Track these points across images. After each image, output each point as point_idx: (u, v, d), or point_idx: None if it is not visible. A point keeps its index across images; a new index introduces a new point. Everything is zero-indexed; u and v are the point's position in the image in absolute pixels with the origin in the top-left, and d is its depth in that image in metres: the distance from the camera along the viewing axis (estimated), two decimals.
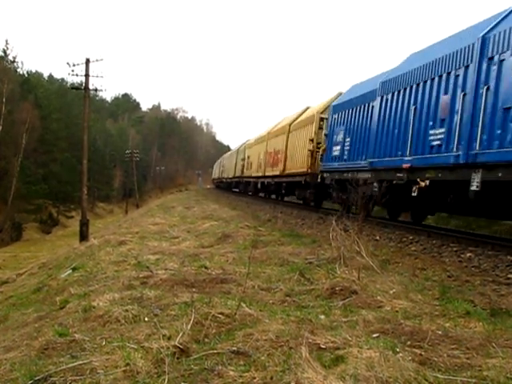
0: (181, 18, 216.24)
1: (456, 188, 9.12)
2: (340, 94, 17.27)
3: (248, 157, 32.57)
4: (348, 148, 13.88)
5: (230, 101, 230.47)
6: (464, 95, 8.51)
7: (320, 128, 17.51)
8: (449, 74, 9.13)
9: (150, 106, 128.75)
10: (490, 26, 8.26)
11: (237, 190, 40.21)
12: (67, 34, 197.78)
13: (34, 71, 72.65)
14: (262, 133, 30.72)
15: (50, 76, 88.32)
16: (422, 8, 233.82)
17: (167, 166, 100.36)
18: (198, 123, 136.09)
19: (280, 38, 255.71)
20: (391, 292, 5.20)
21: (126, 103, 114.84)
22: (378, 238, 10.09)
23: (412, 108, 10.21)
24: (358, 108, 13.49)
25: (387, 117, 11.46)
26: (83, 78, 27.53)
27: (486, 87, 7.86)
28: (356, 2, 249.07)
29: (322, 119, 17.69)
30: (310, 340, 3.59)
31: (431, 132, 9.45)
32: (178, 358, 3.39)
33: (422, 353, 3.42)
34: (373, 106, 12.44)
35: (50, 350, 3.85)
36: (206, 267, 6.74)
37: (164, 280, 5.90)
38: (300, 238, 10.05)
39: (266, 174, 25.43)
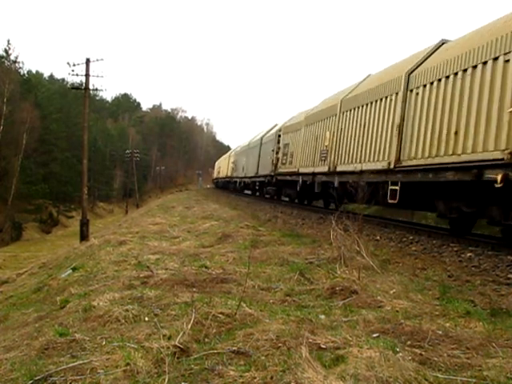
0: (181, 18, 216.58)
1: None
2: None
3: None
4: None
5: (230, 101, 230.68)
6: None
7: None
8: None
9: (151, 106, 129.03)
10: None
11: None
12: (67, 34, 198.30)
13: (34, 71, 72.99)
14: None
15: (51, 76, 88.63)
16: (426, 7, 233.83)
17: (167, 165, 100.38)
18: (198, 123, 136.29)
19: (280, 37, 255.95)
20: (391, 292, 5.20)
21: (126, 103, 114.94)
22: (378, 237, 10.09)
23: None
24: None
25: None
26: (83, 78, 27.52)
27: None
28: (358, 1, 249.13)
29: None
30: (310, 340, 3.59)
31: None
32: (178, 358, 3.39)
33: (422, 353, 3.41)
34: None
35: (50, 350, 3.84)
36: (206, 267, 6.74)
37: (164, 280, 5.90)
38: (300, 237, 10.05)
39: None
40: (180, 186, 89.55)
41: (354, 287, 5.23)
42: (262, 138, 28.29)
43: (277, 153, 22.83)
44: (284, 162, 21.08)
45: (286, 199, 23.28)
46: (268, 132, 27.94)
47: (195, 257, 7.76)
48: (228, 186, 45.33)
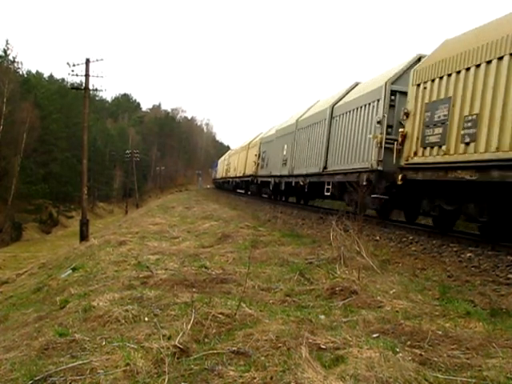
0: (181, 18, 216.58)
1: None
2: None
3: None
4: None
5: (229, 101, 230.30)
6: None
7: None
8: None
9: (150, 106, 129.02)
10: None
11: None
12: (67, 33, 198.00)
13: (34, 71, 72.95)
14: None
15: (51, 76, 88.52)
16: (428, 6, 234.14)
17: (167, 165, 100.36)
18: (198, 123, 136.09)
19: (280, 38, 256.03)
20: (391, 292, 5.20)
21: (126, 103, 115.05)
22: (378, 238, 10.08)
23: None
24: None
25: None
26: (83, 78, 27.46)
27: None
28: (355, 2, 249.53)
29: None
30: (310, 340, 3.59)
31: None
32: (178, 358, 3.39)
33: (422, 353, 3.42)
34: None
35: (50, 350, 3.85)
36: (206, 267, 6.74)
37: (164, 280, 5.90)
38: (300, 238, 10.05)
39: None
40: (180, 186, 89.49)
41: (353, 287, 5.23)
42: (332, 108, 15.35)
43: (389, 127, 11.27)
44: (433, 140, 9.19)
45: (428, 223, 10.75)
46: (344, 96, 15.28)
47: (195, 257, 7.76)
48: (246, 188, 32.71)
